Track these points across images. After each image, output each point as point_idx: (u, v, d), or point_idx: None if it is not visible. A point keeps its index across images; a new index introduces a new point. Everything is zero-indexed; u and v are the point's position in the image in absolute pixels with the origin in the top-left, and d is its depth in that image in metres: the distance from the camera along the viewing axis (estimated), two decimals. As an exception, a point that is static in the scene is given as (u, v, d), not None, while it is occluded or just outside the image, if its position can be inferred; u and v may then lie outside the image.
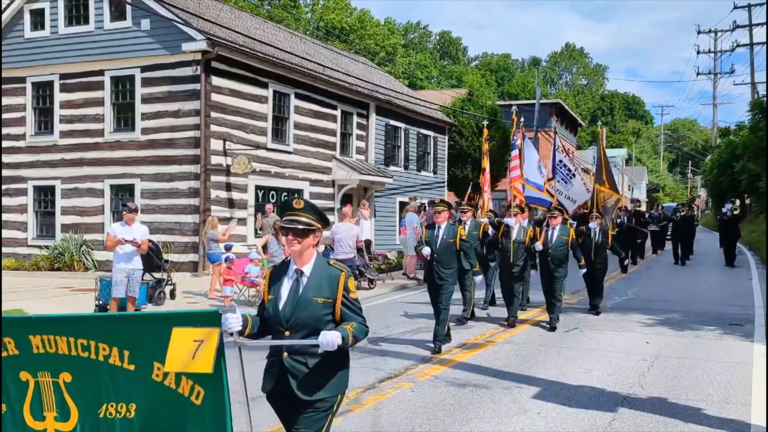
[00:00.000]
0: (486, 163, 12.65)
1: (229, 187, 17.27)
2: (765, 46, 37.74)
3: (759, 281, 16.48)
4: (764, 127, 25.31)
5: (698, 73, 53.21)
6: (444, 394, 6.71)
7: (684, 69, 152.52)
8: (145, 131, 17.29)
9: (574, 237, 10.78)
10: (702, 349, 8.85)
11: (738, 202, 20.97)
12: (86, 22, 18.02)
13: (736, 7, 40.08)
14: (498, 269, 11.50)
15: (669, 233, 25.14)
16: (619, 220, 20.12)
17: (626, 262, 19.62)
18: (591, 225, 12.08)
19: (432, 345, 8.70)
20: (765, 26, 37.57)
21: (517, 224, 10.46)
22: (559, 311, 10.56)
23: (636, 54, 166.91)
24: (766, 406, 5.90)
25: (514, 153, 12.54)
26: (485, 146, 13.02)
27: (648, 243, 24.32)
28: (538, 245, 10.49)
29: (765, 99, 29.08)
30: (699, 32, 47.72)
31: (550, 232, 10.69)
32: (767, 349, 8.35)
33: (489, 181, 12.57)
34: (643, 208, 45.96)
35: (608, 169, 13.25)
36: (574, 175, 14.41)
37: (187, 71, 16.57)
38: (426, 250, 8.74)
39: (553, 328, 10.12)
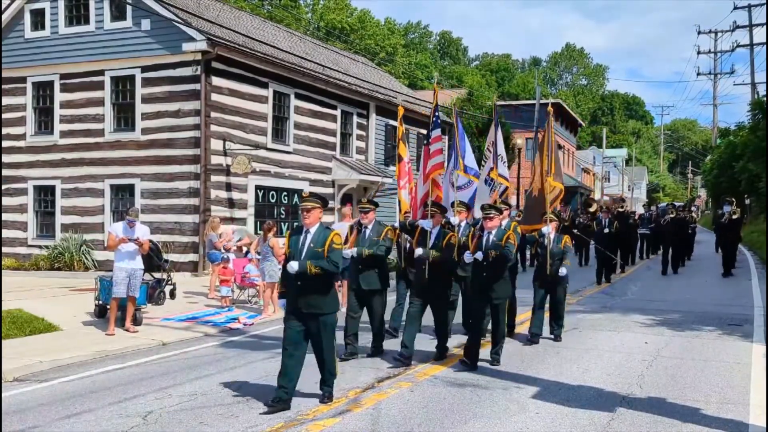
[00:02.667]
0: (402, 151, 9.61)
1: (229, 187, 17.28)
2: (765, 46, 37.77)
3: (759, 281, 16.49)
4: (764, 127, 25.32)
5: (698, 74, 53.32)
6: (443, 393, 6.72)
7: (685, 69, 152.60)
8: (145, 131, 17.30)
9: (512, 242, 7.98)
10: (701, 350, 8.86)
11: (735, 204, 18.88)
12: (86, 22, 18.03)
13: (736, 8, 40.10)
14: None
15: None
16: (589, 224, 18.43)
17: (618, 267, 17.88)
18: (544, 229, 9.67)
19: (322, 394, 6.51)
20: (765, 26, 37.58)
21: (436, 228, 8.40)
22: (502, 346, 8.20)
23: (637, 54, 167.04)
24: (766, 406, 5.92)
25: (436, 134, 9.17)
26: (400, 129, 9.79)
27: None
28: (468, 256, 8.05)
29: (765, 99, 29.09)
30: (699, 32, 47.76)
31: (484, 238, 8.04)
32: (767, 349, 8.37)
33: (408, 173, 9.49)
34: (640, 208, 45.69)
35: (556, 156, 10.40)
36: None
37: (188, 71, 16.58)
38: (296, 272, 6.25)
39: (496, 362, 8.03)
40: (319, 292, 6.32)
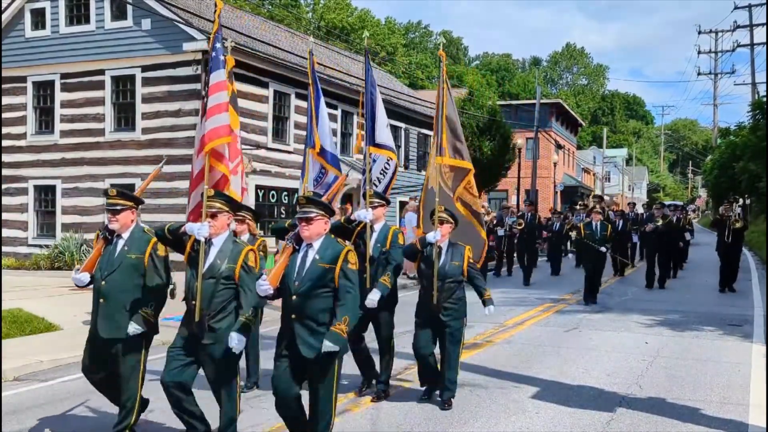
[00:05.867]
0: (234, 122, 5.74)
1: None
2: (765, 46, 37.75)
3: (759, 281, 16.48)
4: (764, 127, 25.31)
5: (699, 74, 53.30)
6: (443, 393, 6.71)
7: (685, 69, 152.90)
8: (145, 131, 17.32)
9: (352, 266, 4.61)
10: (701, 350, 8.86)
11: (739, 206, 15.52)
12: (87, 21, 18.06)
13: (736, 8, 40.11)
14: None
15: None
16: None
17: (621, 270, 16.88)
18: (430, 236, 6.28)
19: None
20: (765, 26, 37.57)
21: (222, 235, 5.09)
22: None
23: (640, 54, 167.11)
24: (766, 406, 5.91)
25: (217, 79, 5.66)
26: (230, 88, 5.83)
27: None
28: (263, 285, 4.59)
29: (765, 99, 29.08)
30: (700, 32, 47.77)
31: (299, 256, 4.68)
32: (767, 349, 8.37)
33: (235, 141, 5.82)
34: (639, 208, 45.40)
35: (453, 127, 7.02)
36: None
37: (188, 71, 16.60)
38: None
39: None
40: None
